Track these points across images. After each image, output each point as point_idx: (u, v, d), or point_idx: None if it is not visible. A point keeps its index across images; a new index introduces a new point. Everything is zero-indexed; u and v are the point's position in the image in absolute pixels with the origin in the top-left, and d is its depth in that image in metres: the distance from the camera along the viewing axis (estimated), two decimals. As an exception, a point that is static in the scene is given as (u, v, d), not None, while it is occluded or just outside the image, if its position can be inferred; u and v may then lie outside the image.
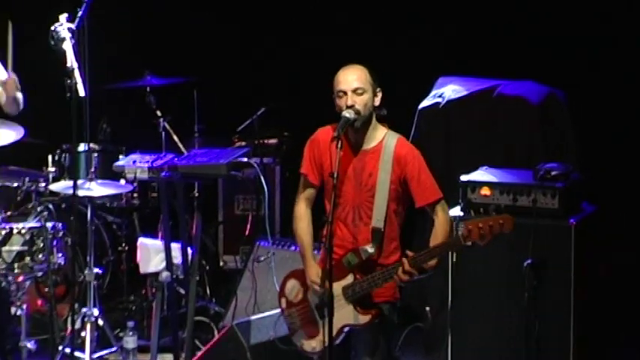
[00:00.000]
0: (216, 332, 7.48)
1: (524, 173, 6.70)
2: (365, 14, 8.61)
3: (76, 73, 5.90)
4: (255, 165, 6.92)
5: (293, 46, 8.77)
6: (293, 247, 7.16)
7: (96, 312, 7.06)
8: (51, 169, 7.59)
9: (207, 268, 8.23)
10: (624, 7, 7.81)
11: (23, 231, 6.88)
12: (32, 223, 7.00)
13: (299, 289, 5.74)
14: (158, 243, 7.43)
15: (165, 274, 7.11)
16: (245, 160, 6.93)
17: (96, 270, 7.12)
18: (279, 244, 7.40)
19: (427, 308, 7.12)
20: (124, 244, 8.07)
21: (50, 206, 7.18)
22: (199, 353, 6.73)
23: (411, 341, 7.20)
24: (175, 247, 7.22)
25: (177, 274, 7.28)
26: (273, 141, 8.42)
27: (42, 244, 6.90)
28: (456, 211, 6.55)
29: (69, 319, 6.49)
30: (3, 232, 6.84)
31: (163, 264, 7.25)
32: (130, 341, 7.12)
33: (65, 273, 7.30)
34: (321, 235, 5.66)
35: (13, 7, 6.55)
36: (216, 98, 8.53)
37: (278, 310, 5.89)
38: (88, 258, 7.10)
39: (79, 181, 6.91)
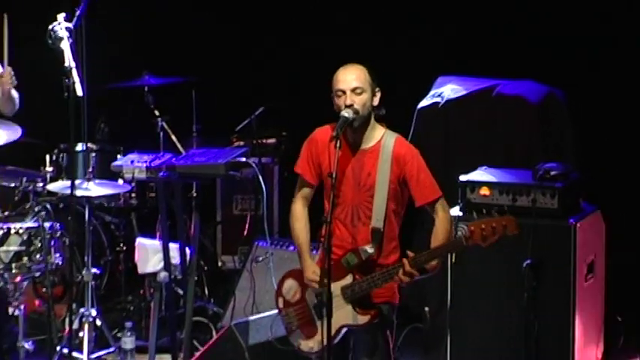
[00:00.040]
0: (214, 333, 7.47)
1: (523, 173, 6.69)
2: (365, 14, 8.60)
3: (74, 73, 5.89)
4: (254, 165, 6.92)
5: (293, 46, 8.76)
6: (291, 247, 7.13)
7: (94, 312, 7.06)
8: (48, 169, 7.59)
9: (206, 268, 8.22)
10: (624, 7, 7.81)
11: (21, 231, 6.87)
12: (30, 223, 6.98)
13: (296, 288, 5.71)
14: (156, 243, 7.41)
15: (163, 275, 7.11)
16: (243, 159, 6.93)
17: (94, 270, 7.14)
18: (278, 245, 7.39)
19: (426, 308, 7.10)
20: (121, 245, 8.07)
21: (48, 206, 7.16)
22: (197, 354, 6.71)
23: (410, 341, 7.18)
24: (173, 247, 7.21)
25: (175, 275, 7.26)
26: (271, 141, 8.42)
27: (39, 245, 6.88)
28: (455, 211, 6.54)
29: (67, 320, 6.50)
30: (0, 233, 6.83)
31: (161, 264, 7.23)
32: (128, 342, 7.10)
33: (63, 273, 7.27)
34: (319, 235, 5.63)
35: (11, 7, 6.52)
36: (215, 98, 8.52)
37: (276, 311, 5.87)
38: (85, 258, 7.11)
39: (77, 181, 6.89)
